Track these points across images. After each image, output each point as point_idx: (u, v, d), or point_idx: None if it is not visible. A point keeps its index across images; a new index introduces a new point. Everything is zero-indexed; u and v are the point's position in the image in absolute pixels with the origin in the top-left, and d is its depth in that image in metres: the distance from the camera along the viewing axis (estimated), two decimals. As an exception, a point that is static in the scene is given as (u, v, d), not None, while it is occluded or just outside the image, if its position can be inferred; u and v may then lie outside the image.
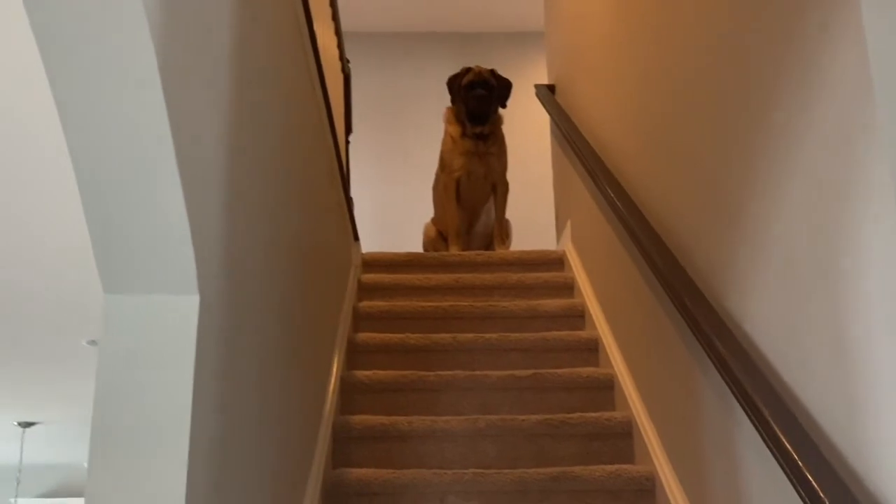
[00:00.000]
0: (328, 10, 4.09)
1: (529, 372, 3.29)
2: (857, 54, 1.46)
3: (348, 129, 4.75)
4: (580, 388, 3.29)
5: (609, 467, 2.77)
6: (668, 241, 2.55)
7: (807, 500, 1.46)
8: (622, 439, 2.99)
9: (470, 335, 3.58)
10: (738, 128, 2.02)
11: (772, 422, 1.65)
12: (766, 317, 1.87)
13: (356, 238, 4.26)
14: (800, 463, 1.50)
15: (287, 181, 2.36)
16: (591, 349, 3.56)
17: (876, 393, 1.42)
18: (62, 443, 7.45)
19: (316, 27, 3.02)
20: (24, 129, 3.14)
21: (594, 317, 3.65)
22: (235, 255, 1.64)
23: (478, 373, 3.31)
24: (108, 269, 1.30)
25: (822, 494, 1.41)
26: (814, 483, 1.46)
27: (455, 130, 4.76)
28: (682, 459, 2.49)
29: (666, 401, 2.67)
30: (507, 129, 4.96)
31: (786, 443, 1.58)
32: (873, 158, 1.42)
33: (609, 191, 3.08)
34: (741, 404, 1.80)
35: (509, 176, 4.97)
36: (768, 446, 1.65)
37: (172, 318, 1.32)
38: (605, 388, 3.28)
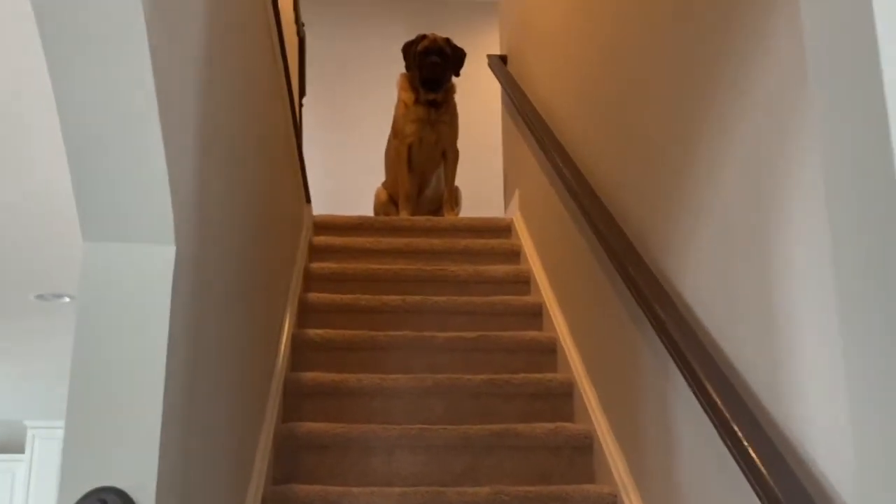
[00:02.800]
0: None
1: (475, 334, 3.39)
2: (791, 41, 1.57)
3: (302, 92, 4.79)
4: (524, 351, 3.40)
5: (549, 425, 2.89)
6: (613, 210, 2.66)
7: (732, 448, 1.59)
8: (563, 399, 3.11)
9: (418, 297, 3.66)
10: (682, 107, 2.13)
11: (703, 379, 1.77)
12: (702, 280, 2.00)
13: (308, 200, 4.32)
14: (727, 416, 1.63)
15: (246, 137, 2.41)
16: (536, 314, 3.68)
17: (796, 351, 1.55)
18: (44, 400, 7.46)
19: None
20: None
21: (539, 283, 3.77)
22: (205, 207, 1.71)
23: (426, 334, 3.40)
24: (89, 217, 1.36)
25: (745, 443, 1.54)
26: (739, 434, 1.58)
27: (408, 97, 4.82)
28: (620, 417, 2.62)
29: (605, 362, 2.79)
30: (460, 98, 5.03)
31: (717, 399, 1.70)
32: (802, 138, 1.54)
33: (557, 160, 3.18)
34: (676, 363, 1.92)
35: (460, 144, 5.05)
36: (700, 402, 1.78)
37: (149, 266, 1.39)
38: (548, 352, 3.40)
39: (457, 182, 5.09)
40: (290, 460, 2.79)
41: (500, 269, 4.01)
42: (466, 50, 5.04)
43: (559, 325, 3.41)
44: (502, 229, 4.50)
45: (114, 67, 1.25)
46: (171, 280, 1.40)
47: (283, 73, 3.21)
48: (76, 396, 1.36)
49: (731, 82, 1.84)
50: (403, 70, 4.92)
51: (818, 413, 1.48)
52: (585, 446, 2.84)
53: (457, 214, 4.98)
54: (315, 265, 3.96)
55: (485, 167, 6.04)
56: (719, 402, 1.69)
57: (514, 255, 4.22)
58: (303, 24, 4.80)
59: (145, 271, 1.39)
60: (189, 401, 1.60)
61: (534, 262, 3.96)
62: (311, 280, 3.88)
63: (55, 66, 1.25)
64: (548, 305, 3.58)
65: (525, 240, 4.19)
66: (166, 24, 1.37)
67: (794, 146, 1.57)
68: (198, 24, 1.66)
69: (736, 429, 1.60)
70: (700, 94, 2.02)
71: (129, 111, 1.27)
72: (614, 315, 2.64)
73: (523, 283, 3.94)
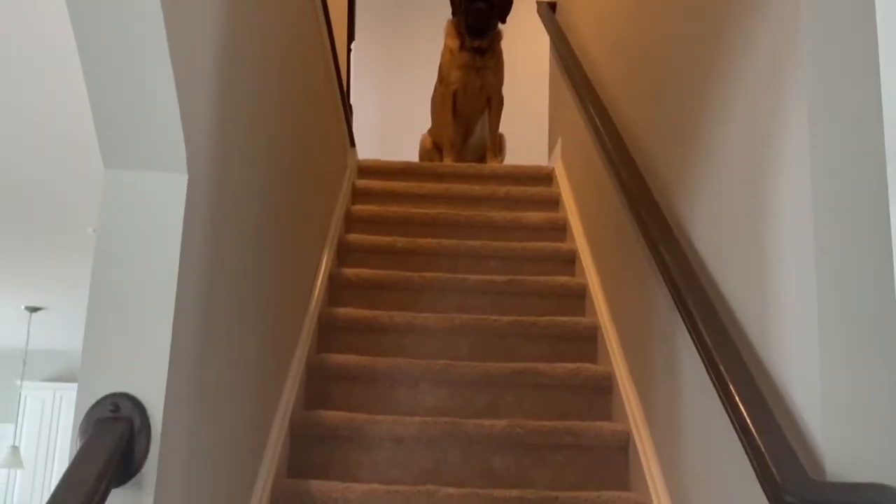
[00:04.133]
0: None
1: (506, 278, 3.46)
2: (786, 5, 1.60)
3: (350, 37, 4.84)
4: (554, 295, 3.45)
5: (571, 365, 2.95)
6: (640, 158, 2.69)
7: (716, 383, 1.65)
8: (587, 342, 3.17)
9: (454, 241, 3.73)
10: (697, 61, 2.16)
11: (700, 324, 1.82)
12: (707, 225, 2.05)
13: (352, 144, 4.39)
14: (714, 354, 1.69)
15: (275, 79, 2.49)
16: (569, 260, 3.73)
17: (782, 293, 1.59)
18: (67, 329, 7.67)
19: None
20: (26, 29, 3.25)
21: (574, 230, 3.81)
22: (225, 140, 1.79)
23: (459, 276, 3.47)
24: (107, 146, 1.45)
25: (726, 377, 1.60)
26: (727, 378, 1.64)
27: (454, 43, 4.84)
28: (636, 360, 2.68)
29: (627, 307, 2.85)
30: (509, 44, 5.04)
31: (709, 344, 1.75)
32: (794, 94, 1.57)
33: (591, 109, 3.21)
34: (678, 309, 1.97)
35: (508, 90, 5.07)
36: (696, 347, 1.83)
37: (163, 193, 1.48)
38: (577, 297, 3.45)
39: (502, 129, 5.12)
40: (321, 388, 2.90)
41: (537, 215, 4.05)
42: (518, -2, 5.03)
43: (589, 271, 3.45)
44: (543, 177, 4.53)
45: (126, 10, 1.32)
46: (183, 207, 1.49)
47: (323, 18, 3.26)
48: (94, 311, 1.46)
49: (736, 40, 1.87)
50: (449, 17, 4.94)
51: (796, 356, 1.53)
52: (605, 387, 2.91)
53: (501, 162, 5.03)
54: (357, 207, 4.06)
55: (532, 114, 6.03)
56: (711, 347, 1.74)
57: (554, 202, 4.26)
58: (352, -31, 4.84)
59: (159, 198, 1.48)
60: (205, 321, 1.70)
61: (571, 210, 4.00)
62: (352, 222, 3.97)
63: (76, 11, 1.32)
64: (581, 253, 3.63)
65: (565, 188, 4.23)
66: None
67: (787, 103, 1.60)
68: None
69: (724, 372, 1.65)
70: (711, 50, 2.05)
71: (138, 43, 1.35)
72: (637, 262, 2.68)
73: (560, 230, 3.99)
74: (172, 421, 1.48)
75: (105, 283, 1.47)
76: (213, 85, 1.69)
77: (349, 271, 3.49)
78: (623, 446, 2.63)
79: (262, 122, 2.23)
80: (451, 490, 2.41)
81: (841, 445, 1.42)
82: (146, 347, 1.45)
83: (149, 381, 1.43)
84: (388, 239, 3.75)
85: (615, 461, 2.64)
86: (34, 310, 6.99)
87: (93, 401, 1.41)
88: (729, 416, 1.59)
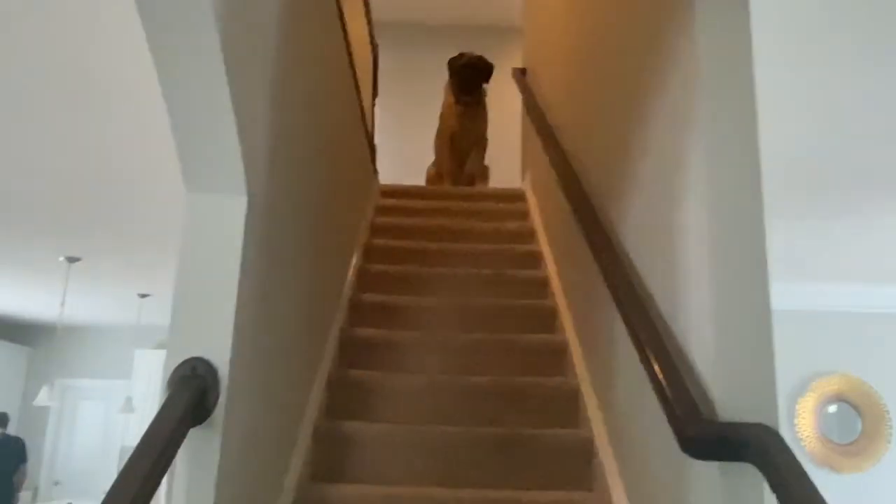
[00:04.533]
0: (362, 7, 4.16)
1: (488, 271, 3.45)
2: (691, 61, 1.59)
3: (375, 94, 4.84)
4: (526, 284, 3.44)
5: (538, 336, 2.95)
6: (584, 182, 2.68)
7: (638, 350, 1.65)
8: (549, 318, 3.16)
9: (453, 244, 3.73)
10: (625, 112, 2.16)
11: (626, 305, 1.82)
12: (632, 225, 2.04)
13: (376, 172, 4.39)
14: (635, 326, 1.68)
15: (321, 123, 2.49)
16: (536, 257, 3.71)
17: (688, 288, 1.59)
18: (168, 309, 7.67)
19: (351, 19, 3.11)
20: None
21: (540, 236, 3.81)
22: (279, 174, 1.80)
23: (457, 270, 3.47)
24: (188, 174, 1.46)
25: (644, 345, 1.60)
26: (642, 340, 1.64)
27: (450, 98, 4.85)
28: (585, 333, 2.68)
29: (579, 296, 2.84)
30: (496, 97, 5.02)
31: (633, 319, 1.76)
32: (693, 140, 1.57)
33: (550, 146, 3.21)
34: (613, 297, 1.97)
35: (495, 132, 5.06)
36: (624, 321, 1.83)
37: (228, 210, 1.48)
38: (543, 285, 3.44)
39: (487, 161, 5.12)
40: (351, 354, 2.90)
41: (513, 224, 4.05)
42: (500, 63, 5.02)
43: (550, 266, 3.45)
44: (517, 197, 4.52)
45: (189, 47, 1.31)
46: (244, 221, 1.49)
47: (353, 83, 3.26)
48: (179, 298, 1.47)
49: (654, 89, 1.87)
50: (448, 78, 4.94)
51: (697, 330, 1.53)
52: (561, 350, 2.90)
53: (486, 185, 5.02)
54: (379, 219, 4.05)
55: (512, 147, 6.02)
56: (636, 324, 1.73)
57: (525, 215, 4.25)
58: (377, 45, 4.84)
59: (226, 213, 1.48)
60: (261, 304, 1.70)
61: (537, 222, 3.99)
62: (375, 231, 3.97)
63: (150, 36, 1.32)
64: (544, 252, 3.63)
65: (533, 205, 4.23)
66: (239, 54, 1.44)
67: (689, 137, 1.60)
68: (272, 50, 1.73)
69: (643, 341, 1.65)
70: (635, 96, 2.04)
71: (209, 99, 1.35)
72: (585, 263, 2.67)
73: (529, 235, 3.97)
74: (236, 378, 1.48)
75: (187, 278, 1.48)
76: (270, 128, 1.69)
77: (374, 266, 3.49)
78: (574, 396, 2.63)
79: (309, 156, 2.24)
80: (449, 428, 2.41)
81: (729, 394, 1.42)
82: (217, 324, 1.45)
83: (218, 348, 1.43)
84: (403, 242, 3.75)
85: (570, 406, 2.64)
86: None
87: (177, 363, 1.42)
88: (647, 373, 1.59)
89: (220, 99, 1.37)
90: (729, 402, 1.40)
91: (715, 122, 1.53)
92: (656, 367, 1.53)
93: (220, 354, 1.43)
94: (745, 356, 1.42)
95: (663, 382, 1.48)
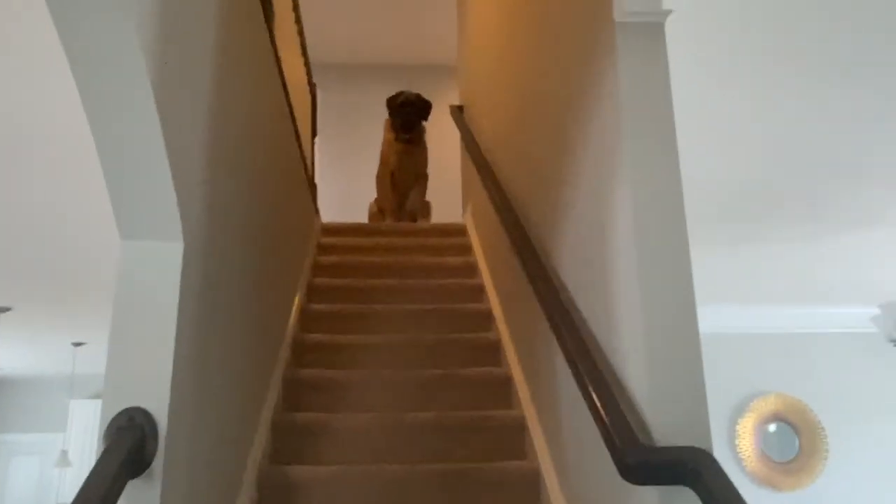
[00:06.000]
0: (298, 47, 4.19)
1: (432, 306, 3.47)
2: (613, 107, 1.67)
3: (314, 133, 4.86)
4: (470, 318, 3.45)
5: (483, 369, 2.98)
6: (521, 215, 2.74)
7: (577, 380, 1.68)
8: (494, 351, 3.19)
9: (395, 281, 3.73)
10: (555, 143, 2.23)
11: (565, 335, 1.86)
12: (568, 259, 2.10)
13: (317, 212, 4.39)
14: (574, 356, 1.72)
15: (259, 165, 2.49)
16: (479, 290, 3.74)
17: (621, 314, 1.65)
18: (103, 357, 7.43)
19: (287, 62, 3.14)
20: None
21: (482, 270, 3.85)
22: (215, 218, 1.79)
23: (400, 306, 3.47)
24: (121, 221, 1.44)
25: (583, 375, 1.64)
26: (581, 370, 1.68)
27: (390, 136, 4.90)
28: (528, 364, 2.71)
29: (520, 325, 2.88)
30: (438, 133, 5.09)
31: (571, 350, 1.79)
32: (619, 175, 1.64)
33: (488, 181, 3.27)
34: (551, 326, 2.01)
35: (436, 167, 5.12)
36: (563, 351, 1.87)
37: (164, 257, 1.47)
38: (486, 318, 3.46)
39: (429, 196, 5.17)
40: (295, 395, 2.86)
41: (455, 259, 4.08)
42: (440, 100, 5.10)
43: (493, 299, 3.49)
44: (459, 231, 4.57)
45: (129, 116, 1.32)
46: (180, 267, 1.48)
47: (291, 124, 3.28)
48: (114, 347, 1.44)
49: (580, 125, 1.94)
50: (387, 116, 5.00)
51: (632, 358, 1.58)
52: (506, 382, 2.92)
53: (428, 220, 5.06)
54: (322, 258, 4.04)
55: (453, 181, 6.10)
56: (574, 355, 1.76)
57: (467, 249, 4.29)
58: (314, 85, 4.87)
59: (161, 260, 1.47)
60: (200, 352, 1.68)
61: (479, 254, 4.04)
62: (318, 269, 3.95)
63: (91, 114, 1.32)
64: (486, 286, 3.66)
65: (474, 238, 4.27)
66: (172, 88, 1.45)
67: (615, 180, 1.66)
68: (204, 86, 1.74)
69: (581, 371, 1.69)
70: (563, 130, 2.11)
71: (142, 142, 1.35)
72: (524, 293, 2.72)
73: (472, 269, 4.01)
74: (176, 428, 1.46)
75: (122, 326, 1.45)
76: (204, 174, 1.69)
77: (317, 306, 3.47)
78: (520, 428, 2.65)
79: (245, 199, 2.23)
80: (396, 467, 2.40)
81: (663, 419, 1.46)
82: (154, 373, 1.43)
83: (156, 397, 1.41)
84: (346, 280, 3.74)
85: (516, 438, 2.65)
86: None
87: (114, 413, 1.39)
88: (587, 403, 1.62)
89: (154, 146, 1.38)
90: (664, 427, 1.44)
91: (637, 157, 1.60)
92: (595, 397, 1.57)
93: (158, 403, 1.41)
94: (676, 381, 1.47)
95: (602, 412, 1.51)
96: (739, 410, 5.26)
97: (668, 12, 1.67)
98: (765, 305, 5.35)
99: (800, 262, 4.47)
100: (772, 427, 5.23)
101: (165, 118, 1.37)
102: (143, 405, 1.40)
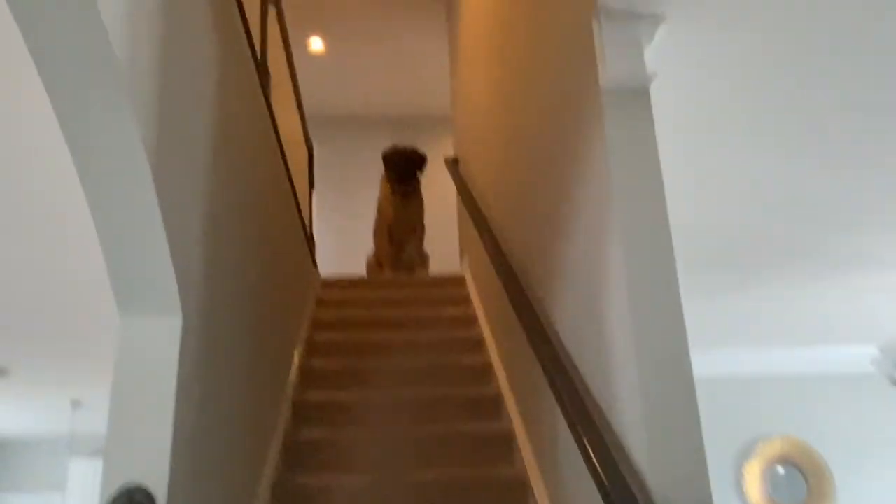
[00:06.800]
0: (294, 104, 4.26)
1: (431, 360, 3.45)
2: (602, 169, 1.71)
3: (311, 188, 4.91)
4: (469, 371, 3.44)
5: (484, 425, 2.96)
6: (518, 271, 2.76)
7: (577, 441, 1.69)
8: (494, 405, 3.17)
9: (394, 335, 3.73)
10: (549, 203, 2.26)
11: (563, 394, 1.87)
12: (566, 317, 2.11)
13: (315, 266, 4.41)
14: (573, 418, 1.73)
15: (257, 227, 2.52)
16: (478, 343, 3.74)
17: (615, 365, 1.66)
18: (104, 413, 7.36)
19: (284, 117, 3.20)
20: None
21: (481, 320, 3.86)
22: (214, 288, 1.81)
23: (399, 360, 3.46)
24: (119, 296, 1.47)
25: (582, 436, 1.64)
26: (580, 431, 1.68)
27: (387, 189, 4.95)
28: (529, 419, 2.70)
29: (520, 378, 2.87)
30: (435, 185, 5.14)
31: (567, 404, 1.80)
32: (611, 233, 1.67)
33: (484, 234, 3.30)
34: (549, 383, 2.02)
35: (435, 217, 5.16)
36: (560, 407, 1.87)
37: (163, 331, 1.49)
38: (486, 371, 3.45)
39: (427, 246, 5.20)
40: (296, 457, 2.84)
41: (454, 310, 4.09)
42: (435, 152, 5.16)
43: (493, 351, 3.48)
44: (457, 282, 4.58)
45: (126, 187, 1.35)
46: (179, 340, 1.50)
47: (288, 183, 3.32)
48: (114, 423, 1.45)
49: (571, 193, 1.97)
50: (383, 170, 5.06)
51: (629, 415, 1.58)
52: (508, 438, 2.90)
53: (426, 271, 5.08)
54: (320, 313, 4.05)
55: (450, 231, 6.14)
56: (573, 416, 1.77)
57: (465, 300, 4.30)
58: (311, 140, 4.94)
59: (160, 334, 1.49)
60: (199, 427, 1.68)
61: (478, 304, 4.05)
62: (317, 325, 3.95)
63: (78, 165, 1.35)
64: (486, 337, 3.66)
65: (472, 288, 4.29)
66: (166, 157, 1.49)
67: (607, 237, 1.69)
68: (201, 153, 1.78)
69: (580, 432, 1.69)
70: (555, 184, 2.15)
71: (141, 220, 1.38)
72: (523, 342, 2.73)
73: (470, 321, 4.01)
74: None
75: (121, 402, 1.46)
76: (202, 246, 1.72)
77: (316, 362, 3.47)
78: (523, 487, 2.62)
79: (244, 264, 2.26)
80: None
81: (661, 476, 1.46)
82: (154, 449, 1.43)
83: (156, 473, 1.41)
84: (344, 335, 3.75)
85: (518, 498, 2.63)
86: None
87: (114, 489, 1.39)
88: (586, 464, 1.62)
89: (152, 222, 1.41)
90: (662, 482, 1.44)
91: (627, 216, 1.63)
92: (594, 458, 1.57)
93: (157, 479, 1.41)
94: (674, 435, 1.47)
95: (602, 474, 1.52)
96: (745, 454, 5.22)
97: (653, 76, 1.72)
98: (765, 348, 5.34)
99: (801, 305, 4.48)
100: (780, 470, 5.17)
101: (163, 196, 1.41)
102: (142, 482, 1.40)
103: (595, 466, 1.56)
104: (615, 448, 1.63)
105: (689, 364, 1.53)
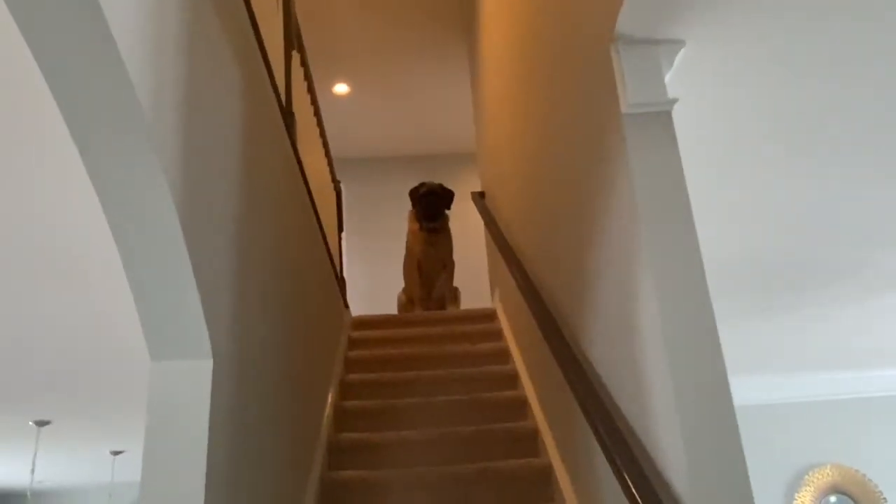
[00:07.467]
0: (321, 147, 4.32)
1: (466, 397, 3.43)
2: (628, 196, 1.69)
3: (340, 229, 4.95)
4: (504, 406, 3.41)
5: (521, 461, 2.91)
6: (549, 302, 2.74)
7: (615, 470, 1.64)
8: (531, 440, 3.11)
9: (427, 372, 3.70)
10: (577, 233, 2.25)
11: (598, 425, 1.83)
12: (600, 350, 2.08)
13: (346, 306, 4.42)
14: (606, 443, 1.69)
15: (286, 271, 2.54)
16: (513, 377, 3.70)
17: (652, 394, 1.62)
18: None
19: (311, 161, 3.23)
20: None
21: (514, 355, 3.82)
22: (245, 331, 1.82)
23: (433, 398, 3.44)
24: (151, 343, 1.48)
25: (619, 465, 1.60)
26: (617, 460, 1.64)
27: (415, 226, 4.97)
28: (567, 453, 2.65)
29: (556, 412, 2.83)
30: (465, 220, 5.15)
31: (606, 440, 1.76)
32: (641, 258, 1.64)
33: (514, 266, 3.29)
34: (584, 414, 1.98)
35: (465, 253, 5.16)
36: (597, 439, 1.83)
37: (194, 375, 1.50)
38: (522, 406, 3.41)
39: (457, 282, 5.19)
40: (332, 499, 2.82)
41: (486, 346, 4.05)
42: (461, 187, 5.19)
43: (527, 384, 3.44)
44: (488, 316, 4.56)
45: (159, 246, 1.38)
46: (210, 384, 1.50)
47: (316, 225, 3.35)
48: (147, 473, 1.45)
49: (599, 221, 1.96)
50: (411, 207, 5.09)
51: (669, 446, 1.54)
52: (546, 474, 2.85)
53: (457, 307, 5.06)
54: (353, 352, 4.04)
55: (481, 267, 6.14)
56: (609, 446, 1.74)
57: (497, 335, 4.27)
58: (339, 182, 5.00)
59: (191, 378, 1.49)
60: (234, 468, 1.68)
61: (510, 338, 4.01)
62: (349, 364, 3.95)
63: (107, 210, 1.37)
64: (520, 371, 3.62)
65: (504, 323, 4.25)
66: (195, 208, 1.51)
67: (637, 265, 1.67)
68: (230, 202, 1.80)
69: (618, 462, 1.66)
70: (583, 225, 2.13)
71: (173, 269, 1.40)
72: (556, 374, 2.69)
73: (504, 355, 3.98)
74: (210, 548, 1.45)
75: (154, 447, 1.46)
76: (232, 289, 1.73)
77: (349, 403, 3.45)
78: (563, 520, 2.57)
79: (274, 307, 2.27)
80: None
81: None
82: (186, 495, 1.43)
83: (190, 520, 1.41)
84: (377, 375, 3.73)
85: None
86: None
87: (149, 540, 1.39)
88: (625, 492, 1.58)
89: (181, 269, 1.42)
90: (709, 522, 1.40)
91: (656, 242, 1.61)
92: (634, 491, 1.53)
93: (191, 527, 1.40)
94: (713, 472, 1.43)
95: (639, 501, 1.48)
96: (795, 484, 5.05)
97: (675, 101, 1.71)
98: (811, 372, 5.20)
99: (843, 324, 4.37)
100: (833, 499, 5.00)
101: (191, 242, 1.42)
102: (176, 529, 1.39)
103: (636, 499, 1.52)
104: (654, 477, 1.58)
105: (728, 391, 1.48)
